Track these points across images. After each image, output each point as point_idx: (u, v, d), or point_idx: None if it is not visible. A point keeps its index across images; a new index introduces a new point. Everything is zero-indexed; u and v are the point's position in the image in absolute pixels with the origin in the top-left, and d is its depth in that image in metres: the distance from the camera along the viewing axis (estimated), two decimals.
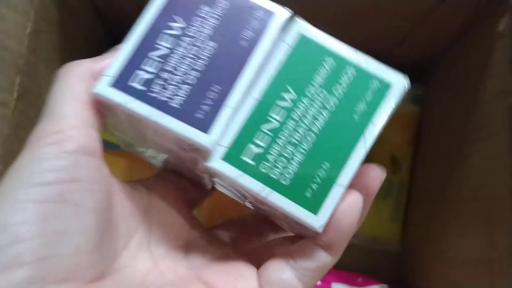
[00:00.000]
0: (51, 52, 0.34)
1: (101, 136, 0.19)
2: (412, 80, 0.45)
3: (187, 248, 0.21)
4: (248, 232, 0.25)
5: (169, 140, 0.19)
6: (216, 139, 0.18)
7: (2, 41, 0.27)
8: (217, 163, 0.18)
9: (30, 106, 0.30)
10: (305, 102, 0.18)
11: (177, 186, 0.24)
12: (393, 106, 0.18)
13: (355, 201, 0.18)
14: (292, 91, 0.18)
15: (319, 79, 0.18)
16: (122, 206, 0.19)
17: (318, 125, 0.18)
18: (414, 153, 0.44)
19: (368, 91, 0.18)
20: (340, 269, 0.41)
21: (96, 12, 0.40)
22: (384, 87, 0.18)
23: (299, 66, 0.18)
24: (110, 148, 0.43)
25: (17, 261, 0.15)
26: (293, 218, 0.17)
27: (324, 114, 0.18)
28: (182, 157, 0.21)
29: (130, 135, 0.22)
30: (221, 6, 0.19)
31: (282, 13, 0.19)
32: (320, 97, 0.18)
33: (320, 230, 0.17)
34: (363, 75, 0.18)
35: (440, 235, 0.37)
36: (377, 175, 0.19)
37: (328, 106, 0.18)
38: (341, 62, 0.18)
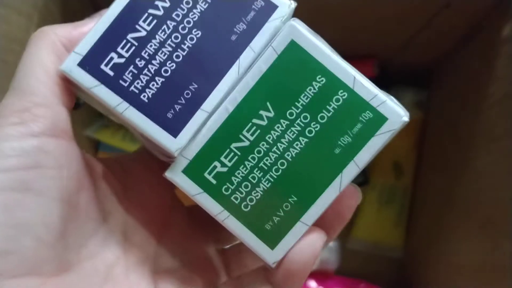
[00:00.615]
0: None
1: (70, 114, 0.17)
2: (416, 84, 0.45)
3: (161, 236, 0.21)
4: None
5: (138, 132, 0.17)
6: (185, 144, 0.16)
7: (6, 44, 0.27)
8: (176, 176, 0.16)
9: None
10: (283, 124, 0.16)
11: (158, 163, 0.22)
12: (382, 145, 0.16)
13: (315, 241, 0.16)
14: (271, 109, 0.16)
15: (304, 100, 0.16)
16: (95, 188, 0.18)
17: (293, 153, 0.16)
18: (417, 158, 0.44)
19: (358, 123, 0.16)
20: (342, 275, 0.41)
21: None
22: (378, 121, 0.15)
23: (284, 80, 0.16)
24: (110, 151, 0.43)
25: None
26: (249, 247, 0.16)
27: (302, 142, 0.16)
28: (155, 148, 0.19)
29: (103, 112, 0.20)
30: None
31: (286, 7, 0.16)
32: (302, 121, 0.16)
33: (273, 266, 0.16)
34: (356, 102, 0.16)
35: (443, 240, 0.37)
36: (352, 204, 0.17)
37: (308, 134, 0.16)
38: (334, 84, 0.16)
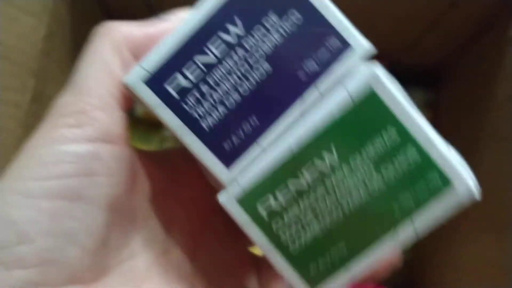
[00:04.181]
0: (64, 55, 0.34)
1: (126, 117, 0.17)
2: (424, 84, 0.45)
3: (200, 237, 0.20)
4: None
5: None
6: (236, 175, 0.16)
7: (16, 44, 0.28)
8: (229, 202, 0.16)
9: (43, 108, 0.31)
10: (345, 170, 0.15)
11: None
12: (443, 213, 0.15)
13: None
14: (335, 152, 0.15)
15: (371, 149, 0.15)
16: (143, 188, 0.18)
17: (349, 201, 0.15)
18: None
19: (423, 181, 0.15)
20: None
21: (108, 15, 0.41)
22: (443, 185, 0.15)
23: (353, 125, 0.15)
24: None
25: (21, 263, 0.14)
26: (291, 284, 0.16)
27: (361, 191, 0.15)
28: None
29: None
30: (291, 20, 0.15)
31: (361, 48, 0.15)
32: (365, 171, 0.15)
33: None
34: (423, 161, 0.15)
35: (450, 241, 0.36)
36: (389, 266, 0.17)
37: (369, 184, 0.15)
38: (404, 138, 0.15)
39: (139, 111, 0.46)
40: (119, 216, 0.17)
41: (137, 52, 0.17)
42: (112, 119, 0.16)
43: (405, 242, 0.15)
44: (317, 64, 0.15)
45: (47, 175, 0.15)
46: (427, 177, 0.15)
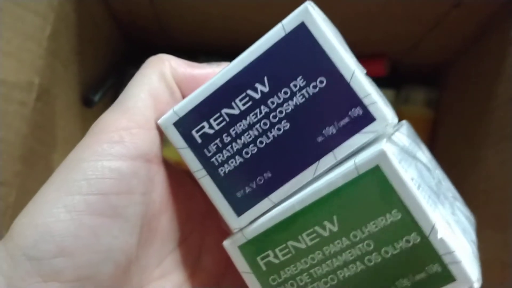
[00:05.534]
0: (69, 54, 0.34)
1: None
2: (427, 83, 0.45)
3: (229, 264, 0.20)
4: None
5: None
6: (245, 225, 0.17)
7: (22, 42, 0.28)
8: (231, 248, 0.17)
9: (48, 107, 0.31)
10: (344, 243, 0.15)
11: None
12: None
13: None
14: (336, 224, 0.15)
15: (373, 228, 0.15)
16: (178, 209, 0.19)
17: (345, 274, 0.15)
18: None
19: (423, 272, 0.14)
20: None
21: (112, 15, 0.41)
22: (444, 278, 0.14)
23: (358, 201, 0.15)
24: None
25: (57, 276, 0.14)
26: None
27: (358, 267, 0.15)
28: None
29: None
30: (318, 86, 0.15)
31: (385, 122, 0.15)
32: (364, 248, 0.15)
33: None
34: (426, 251, 0.14)
35: None
36: None
37: (367, 262, 0.15)
38: (409, 225, 0.14)
39: None
40: (152, 236, 0.18)
41: (181, 84, 0.18)
42: (151, 138, 0.17)
43: None
44: (338, 132, 0.15)
45: (91, 191, 0.15)
46: (429, 268, 0.14)
